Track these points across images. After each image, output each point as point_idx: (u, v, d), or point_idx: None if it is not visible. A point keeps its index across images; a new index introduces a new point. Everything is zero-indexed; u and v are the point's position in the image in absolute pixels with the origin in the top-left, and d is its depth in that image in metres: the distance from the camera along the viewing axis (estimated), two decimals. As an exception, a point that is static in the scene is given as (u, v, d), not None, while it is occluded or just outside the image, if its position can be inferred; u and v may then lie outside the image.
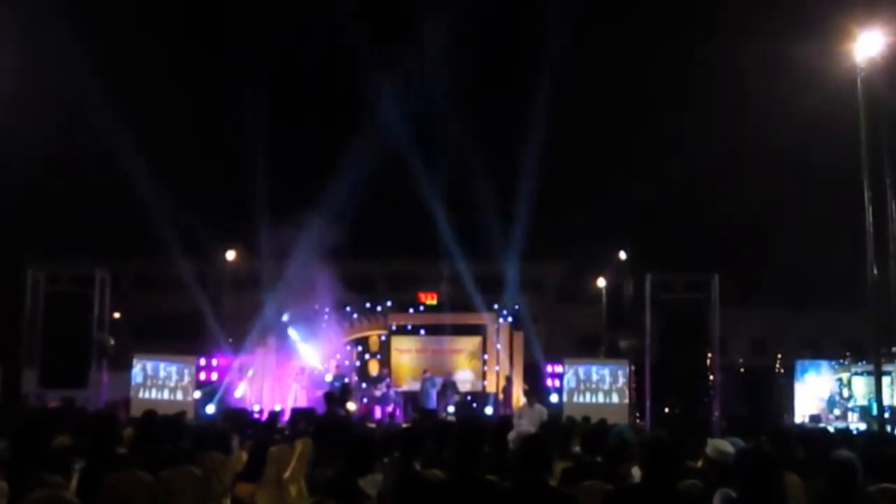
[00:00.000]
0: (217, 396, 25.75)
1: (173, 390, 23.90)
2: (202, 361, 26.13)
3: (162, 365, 24.25)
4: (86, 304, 22.82)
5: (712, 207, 41.64)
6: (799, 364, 27.96)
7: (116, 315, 36.49)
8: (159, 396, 23.31)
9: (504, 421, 11.84)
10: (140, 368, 24.07)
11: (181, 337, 35.09)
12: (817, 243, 39.04)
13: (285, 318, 27.64)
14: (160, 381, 23.96)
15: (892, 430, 19.43)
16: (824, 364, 27.58)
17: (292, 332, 27.39)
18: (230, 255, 38.75)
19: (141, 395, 23.52)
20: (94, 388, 22.78)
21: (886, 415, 20.34)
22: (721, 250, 37.13)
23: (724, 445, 7.03)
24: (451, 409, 24.92)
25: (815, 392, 26.94)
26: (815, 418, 26.00)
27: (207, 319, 31.43)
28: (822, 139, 24.83)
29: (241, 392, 26.58)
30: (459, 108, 31.07)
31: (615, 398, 23.08)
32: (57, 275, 23.26)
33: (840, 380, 26.74)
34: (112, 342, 23.19)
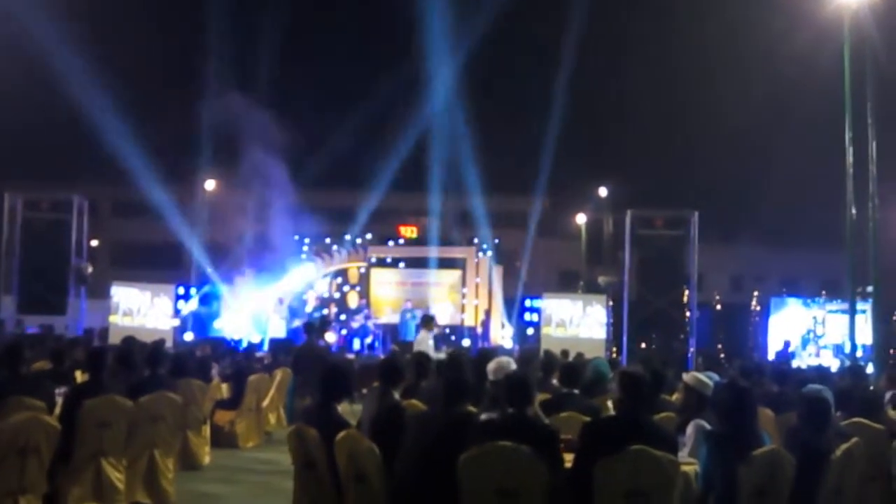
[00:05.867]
0: (197, 325, 25.81)
1: (152, 318, 23.85)
2: (181, 290, 26.11)
3: (140, 292, 24.18)
4: (64, 231, 22.61)
5: (694, 144, 41.64)
6: (774, 301, 28.21)
7: (95, 242, 36.38)
8: (138, 324, 23.26)
9: (483, 353, 11.93)
10: (118, 296, 24.00)
11: (160, 265, 35.06)
12: (799, 182, 39.16)
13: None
14: (139, 308, 23.91)
15: (865, 367, 19.65)
16: (799, 302, 27.82)
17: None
18: (210, 183, 38.48)
19: (119, 322, 23.48)
20: (73, 314, 22.73)
21: (860, 353, 20.59)
22: (702, 187, 37.18)
23: (703, 376, 7.13)
24: (429, 341, 25.05)
25: (789, 330, 27.22)
26: (788, 356, 26.30)
27: (186, 248, 31.31)
28: (806, 79, 24.78)
29: (220, 321, 26.63)
30: (447, 44, 30.70)
31: (593, 333, 23.22)
32: (35, 200, 23.04)
33: (815, 318, 27.00)
34: (90, 269, 23.10)
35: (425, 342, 17.32)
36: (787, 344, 24.81)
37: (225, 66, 26.97)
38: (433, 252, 28.94)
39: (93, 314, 24.65)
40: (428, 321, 18.26)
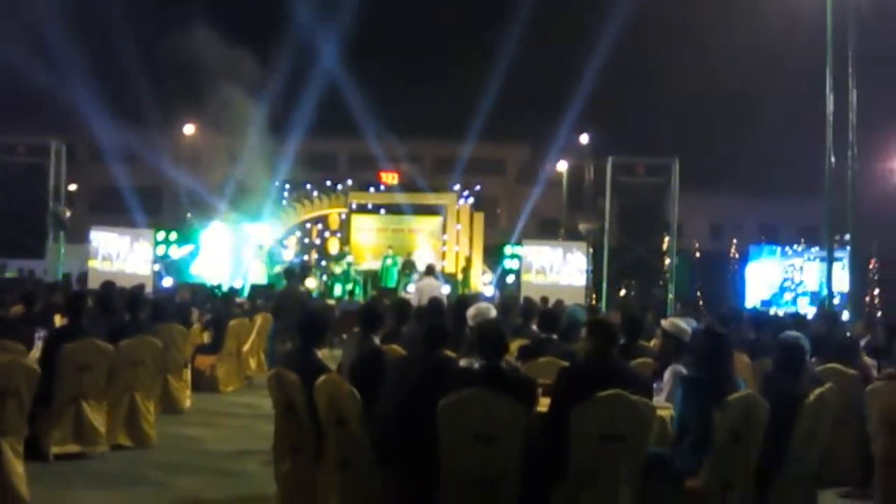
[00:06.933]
0: (175, 269, 25.72)
1: (131, 263, 23.75)
2: (160, 235, 25.99)
3: (120, 237, 24.07)
4: (41, 175, 22.36)
5: (675, 92, 41.49)
6: (752, 249, 28.38)
7: (73, 186, 36.09)
8: (117, 269, 23.16)
9: (462, 299, 12.00)
10: (97, 240, 23.89)
11: (139, 210, 34.82)
12: (779, 130, 39.21)
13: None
14: (118, 253, 23.80)
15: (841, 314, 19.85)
16: (777, 249, 28.01)
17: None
18: (189, 128, 38.15)
19: (98, 267, 23.39)
20: (52, 259, 22.61)
21: (836, 300, 20.77)
22: (683, 135, 37.15)
23: (681, 322, 7.19)
24: (410, 287, 25.10)
25: (767, 277, 27.42)
26: (766, 303, 26.53)
27: (166, 193, 31.17)
28: (787, 28, 24.66)
29: (199, 266, 26.56)
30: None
31: (573, 280, 23.32)
32: (11, 144, 22.77)
33: (792, 265, 27.20)
34: (68, 213, 22.92)
35: (436, 288, 17.31)
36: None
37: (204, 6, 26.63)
38: (414, 198, 28.93)
39: (72, 259, 24.54)
40: (431, 269, 18.37)
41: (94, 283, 20.38)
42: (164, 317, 11.22)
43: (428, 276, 17.93)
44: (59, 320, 10.57)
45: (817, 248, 26.28)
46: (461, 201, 29.18)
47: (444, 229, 29.06)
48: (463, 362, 6.58)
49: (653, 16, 38.95)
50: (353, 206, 29.39)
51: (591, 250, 24.15)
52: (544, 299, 15.74)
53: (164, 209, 37.68)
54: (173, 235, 26.56)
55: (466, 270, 28.08)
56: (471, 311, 7.87)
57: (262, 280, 24.58)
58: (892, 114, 28.51)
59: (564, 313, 9.94)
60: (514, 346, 8.24)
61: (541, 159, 44.25)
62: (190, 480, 7.77)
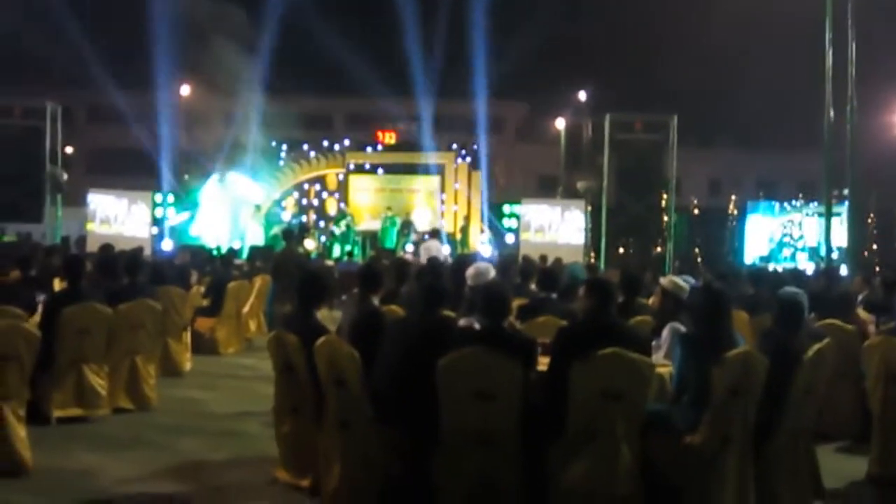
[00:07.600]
0: (174, 232, 25.72)
1: (130, 226, 23.71)
2: (158, 197, 25.93)
3: (117, 200, 24.01)
4: (38, 137, 22.20)
5: (673, 46, 41.25)
6: (750, 204, 28.34)
7: (70, 149, 35.96)
8: (115, 232, 23.12)
9: (461, 259, 12.00)
10: (95, 203, 23.83)
11: (136, 172, 34.73)
12: (777, 85, 39.00)
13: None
14: (116, 216, 23.75)
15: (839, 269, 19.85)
16: (776, 205, 27.98)
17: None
18: (185, 89, 37.93)
19: (97, 230, 23.36)
20: (50, 222, 22.55)
21: (835, 255, 20.78)
22: (680, 90, 36.94)
23: (679, 280, 7.20)
24: (408, 248, 25.09)
25: (765, 233, 27.42)
26: (764, 259, 26.55)
27: (163, 155, 31.01)
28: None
29: (198, 228, 26.54)
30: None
31: (571, 238, 23.30)
32: (8, 106, 22.60)
33: (791, 221, 27.19)
34: (65, 176, 22.83)
35: (439, 250, 17.47)
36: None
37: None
38: (412, 158, 28.82)
39: (70, 222, 24.50)
40: (436, 231, 18.48)
41: (92, 247, 20.37)
42: (163, 280, 11.22)
43: (433, 239, 18.08)
44: (58, 284, 10.58)
45: (815, 203, 26.26)
46: (459, 160, 29.07)
47: (442, 188, 28.99)
48: (462, 322, 6.60)
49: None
50: (351, 166, 29.29)
51: (589, 208, 24.11)
52: (543, 258, 15.77)
53: (161, 171, 37.51)
54: (171, 198, 26.51)
55: (465, 230, 28.04)
56: (470, 271, 7.87)
57: (260, 242, 24.55)
58: (891, 67, 28.36)
59: (564, 272, 9.97)
60: (514, 305, 8.24)
61: (539, 117, 44.04)
62: (191, 442, 7.80)
